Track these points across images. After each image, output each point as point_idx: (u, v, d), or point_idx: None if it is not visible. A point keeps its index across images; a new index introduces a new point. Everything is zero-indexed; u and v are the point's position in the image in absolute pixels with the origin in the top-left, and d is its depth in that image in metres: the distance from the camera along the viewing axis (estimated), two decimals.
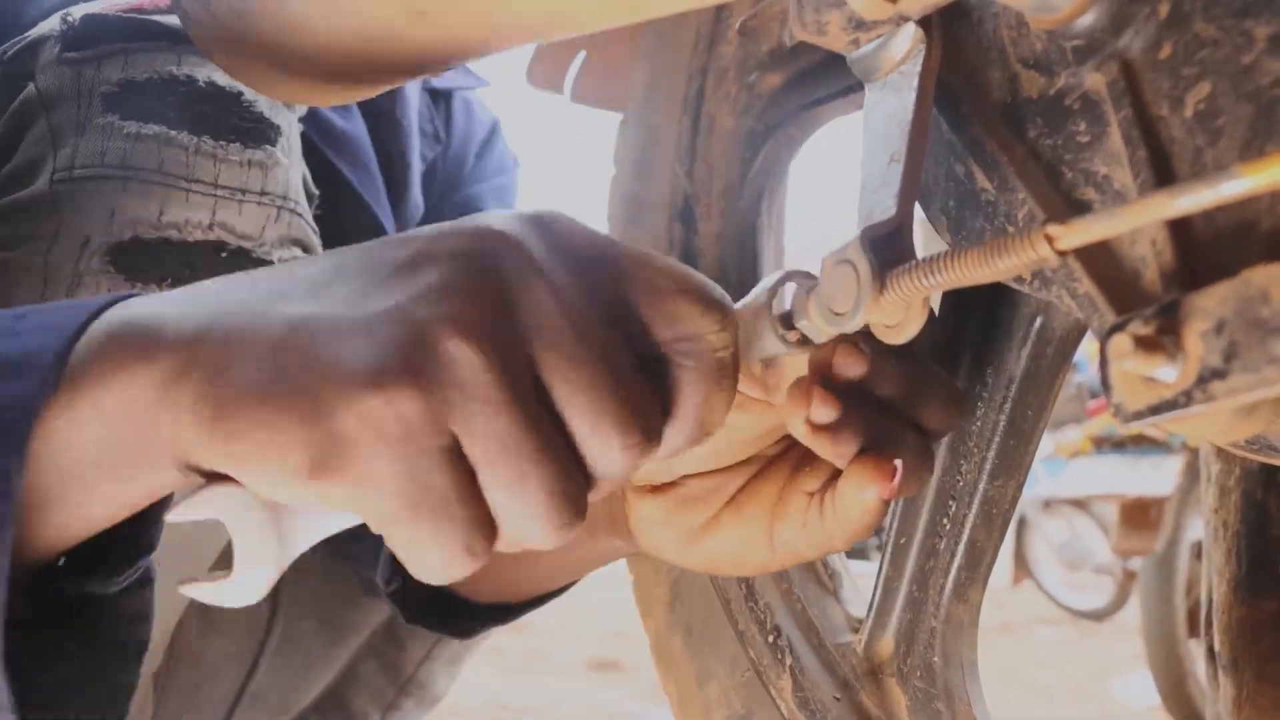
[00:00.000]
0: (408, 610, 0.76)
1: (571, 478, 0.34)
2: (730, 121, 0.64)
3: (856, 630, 0.56)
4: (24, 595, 0.35)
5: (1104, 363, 0.33)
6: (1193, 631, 2.56)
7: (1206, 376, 0.31)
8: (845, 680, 0.56)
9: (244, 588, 0.35)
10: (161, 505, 0.39)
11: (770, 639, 0.59)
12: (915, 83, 0.40)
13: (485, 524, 0.34)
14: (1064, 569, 4.06)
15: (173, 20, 0.62)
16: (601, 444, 0.34)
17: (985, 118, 0.42)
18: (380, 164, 0.85)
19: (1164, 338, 0.32)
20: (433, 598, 0.76)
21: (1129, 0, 0.37)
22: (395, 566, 0.80)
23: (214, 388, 0.33)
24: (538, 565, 0.76)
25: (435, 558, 0.33)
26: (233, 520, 0.35)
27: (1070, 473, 3.32)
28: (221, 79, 0.60)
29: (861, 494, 0.40)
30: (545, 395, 0.34)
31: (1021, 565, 4.11)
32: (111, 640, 0.39)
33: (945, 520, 0.51)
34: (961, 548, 0.51)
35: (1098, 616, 3.89)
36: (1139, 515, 2.70)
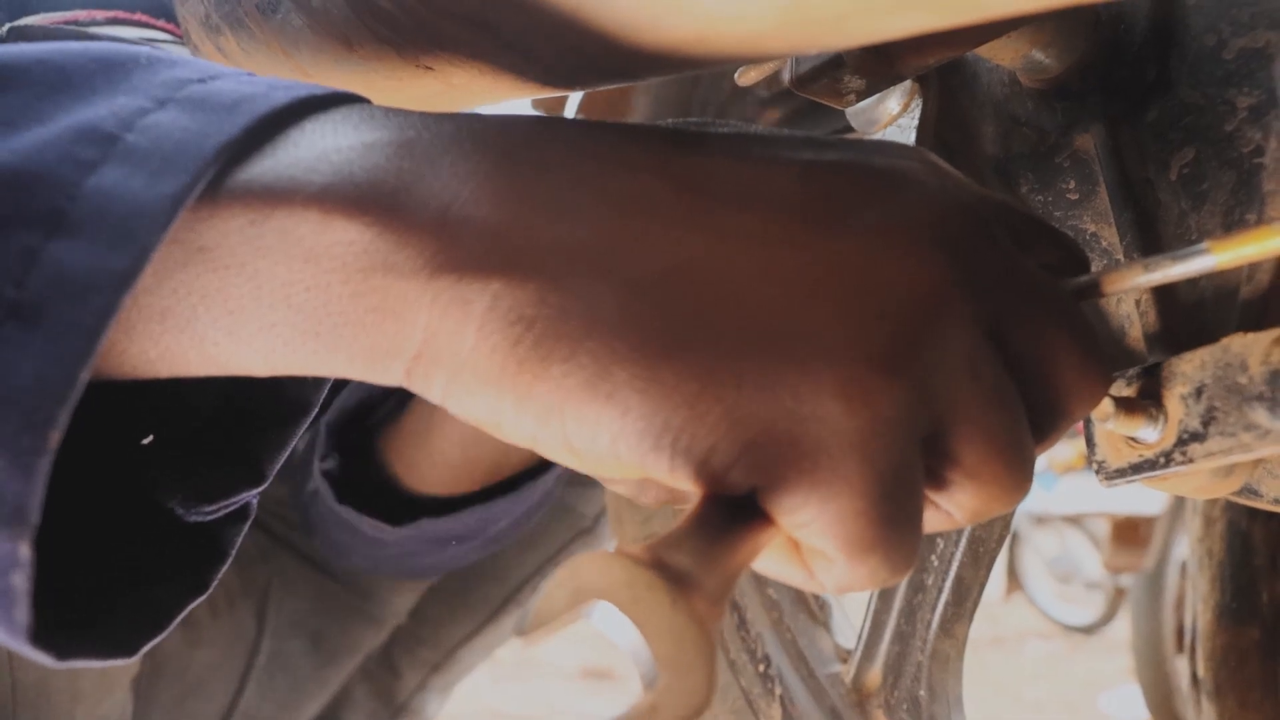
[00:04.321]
0: (339, 490, 0.75)
1: (1033, 453, 0.27)
2: None
3: (845, 661, 0.57)
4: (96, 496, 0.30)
5: (1087, 422, 0.34)
6: (1181, 648, 2.58)
7: (1186, 439, 0.32)
8: (833, 710, 0.57)
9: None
10: (298, 416, 0.32)
11: (760, 668, 0.60)
12: (912, 137, 0.42)
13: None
14: (1055, 583, 4.08)
15: (105, 33, 0.63)
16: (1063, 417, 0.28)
17: (978, 171, 0.43)
18: None
19: (1145, 400, 0.33)
20: (370, 482, 0.76)
21: (1118, 64, 0.39)
22: (331, 443, 0.80)
23: (554, 312, 0.23)
24: (481, 454, 0.75)
25: (883, 569, 0.25)
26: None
27: (1063, 489, 3.34)
28: None
29: None
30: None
31: (1013, 578, 4.12)
32: (165, 570, 0.32)
33: (933, 557, 0.52)
34: (949, 584, 0.52)
35: (1087, 630, 3.91)
36: (1130, 533, 2.71)
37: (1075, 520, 3.80)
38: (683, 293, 0.24)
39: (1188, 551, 0.86)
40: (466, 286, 0.23)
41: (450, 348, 0.24)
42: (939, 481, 0.26)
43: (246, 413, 0.32)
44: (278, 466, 0.33)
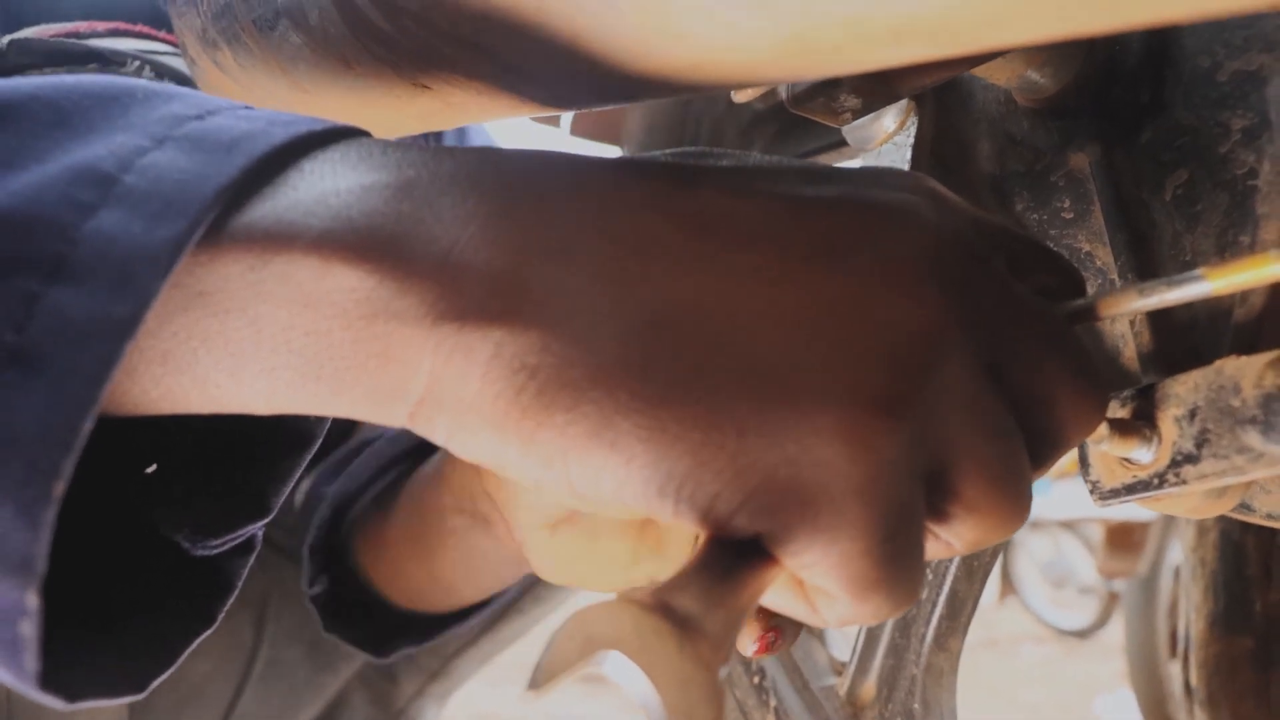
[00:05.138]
0: (327, 619, 0.76)
1: (1030, 484, 0.27)
2: None
3: (840, 673, 0.57)
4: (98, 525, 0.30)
5: (1081, 443, 0.34)
6: (1174, 653, 2.58)
7: (1179, 460, 0.32)
8: None
9: None
10: (300, 449, 0.32)
11: (755, 680, 0.60)
12: (908, 154, 0.42)
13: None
14: (1049, 587, 4.09)
15: (105, 44, 0.63)
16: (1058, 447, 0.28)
17: (974, 188, 0.44)
18: None
19: (1140, 421, 0.33)
20: (356, 606, 0.76)
21: (1112, 85, 0.39)
22: (318, 565, 0.80)
23: (557, 360, 0.23)
24: (470, 567, 0.77)
25: (886, 606, 0.25)
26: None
27: (1057, 493, 3.35)
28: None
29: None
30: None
31: (1007, 582, 4.13)
32: (172, 606, 0.32)
33: (928, 571, 0.52)
34: (943, 598, 0.52)
35: (1081, 635, 3.91)
36: (1124, 538, 2.72)
37: (1070, 525, 3.81)
38: (684, 336, 0.24)
39: (1182, 558, 0.87)
40: (469, 334, 0.23)
41: (454, 394, 0.24)
42: (939, 514, 0.26)
43: (249, 445, 0.32)
44: (281, 499, 0.32)
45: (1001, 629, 4.27)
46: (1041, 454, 0.28)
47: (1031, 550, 4.08)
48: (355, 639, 0.78)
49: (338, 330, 0.24)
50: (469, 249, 0.24)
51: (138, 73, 0.64)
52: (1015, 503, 0.27)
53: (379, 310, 0.24)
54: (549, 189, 0.26)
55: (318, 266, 0.24)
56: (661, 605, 0.22)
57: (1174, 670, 2.51)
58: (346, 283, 0.24)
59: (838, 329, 0.24)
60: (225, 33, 0.43)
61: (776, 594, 0.27)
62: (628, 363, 0.23)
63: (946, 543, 0.27)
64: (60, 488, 0.22)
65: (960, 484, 0.26)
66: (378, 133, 0.45)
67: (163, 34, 0.70)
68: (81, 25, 0.63)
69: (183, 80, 0.67)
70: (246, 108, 0.27)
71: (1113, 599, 3.58)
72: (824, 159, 0.61)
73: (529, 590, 0.91)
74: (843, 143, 0.59)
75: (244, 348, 0.24)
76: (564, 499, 0.25)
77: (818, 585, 0.25)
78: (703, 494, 0.23)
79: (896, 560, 0.24)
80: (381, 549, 0.81)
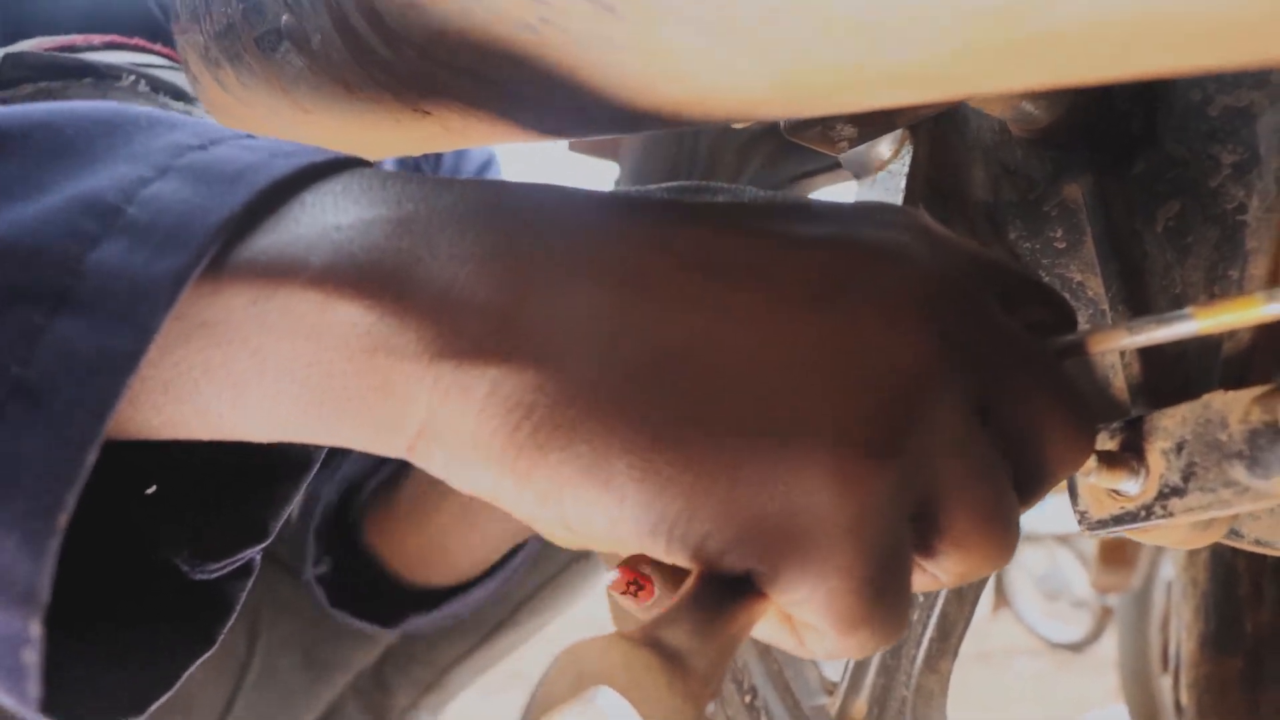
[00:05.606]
0: (332, 594, 0.77)
1: (1018, 518, 0.28)
2: None
3: (831, 693, 0.58)
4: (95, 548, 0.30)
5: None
6: (1166, 668, 2.58)
7: (1166, 493, 0.33)
8: None
9: None
10: (299, 473, 0.33)
11: (747, 699, 0.60)
12: (903, 182, 0.42)
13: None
14: (1043, 600, 4.09)
15: (100, 57, 0.63)
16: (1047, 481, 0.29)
17: (969, 217, 0.44)
18: None
19: (1127, 453, 0.34)
20: (361, 577, 0.77)
21: (1105, 117, 0.39)
22: (321, 547, 0.82)
23: (552, 400, 0.23)
24: (473, 539, 0.78)
25: (872, 641, 0.25)
26: None
27: (1052, 507, 3.35)
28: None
29: None
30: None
31: (1000, 595, 4.13)
32: (172, 628, 0.32)
33: (919, 594, 0.53)
34: (933, 620, 0.52)
35: (1074, 648, 3.91)
36: (1117, 553, 2.72)
37: (1064, 539, 3.81)
38: (678, 377, 0.24)
39: (1173, 575, 0.87)
40: (466, 372, 0.24)
41: (451, 428, 0.24)
42: (926, 549, 0.27)
43: (248, 469, 0.33)
44: (280, 522, 0.33)
45: (995, 641, 4.27)
46: (1029, 488, 0.29)
47: (1026, 563, 4.08)
48: (361, 612, 0.79)
49: (338, 363, 0.24)
50: (466, 287, 0.24)
51: (133, 87, 0.64)
52: (1001, 539, 0.27)
53: (379, 345, 0.24)
54: (546, 227, 0.26)
55: (320, 301, 0.24)
56: (651, 640, 0.23)
57: (1166, 685, 2.51)
58: (347, 318, 0.24)
59: (828, 370, 0.25)
60: (228, 52, 0.43)
61: (765, 627, 0.27)
62: (621, 403, 0.24)
63: (933, 576, 0.28)
64: (64, 520, 0.22)
65: (947, 521, 0.26)
66: (378, 154, 0.45)
67: (158, 47, 0.70)
68: (77, 38, 0.64)
69: (178, 94, 0.67)
70: (249, 137, 0.28)
71: (1106, 613, 3.58)
72: (820, 180, 0.61)
73: (523, 604, 0.91)
74: (839, 164, 0.59)
75: (245, 378, 0.25)
76: (560, 534, 0.25)
77: (806, 621, 0.25)
78: (694, 533, 0.24)
79: (882, 598, 0.25)
80: (388, 523, 0.82)
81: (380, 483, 0.83)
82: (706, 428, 0.24)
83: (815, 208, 0.29)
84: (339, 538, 0.83)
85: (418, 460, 0.25)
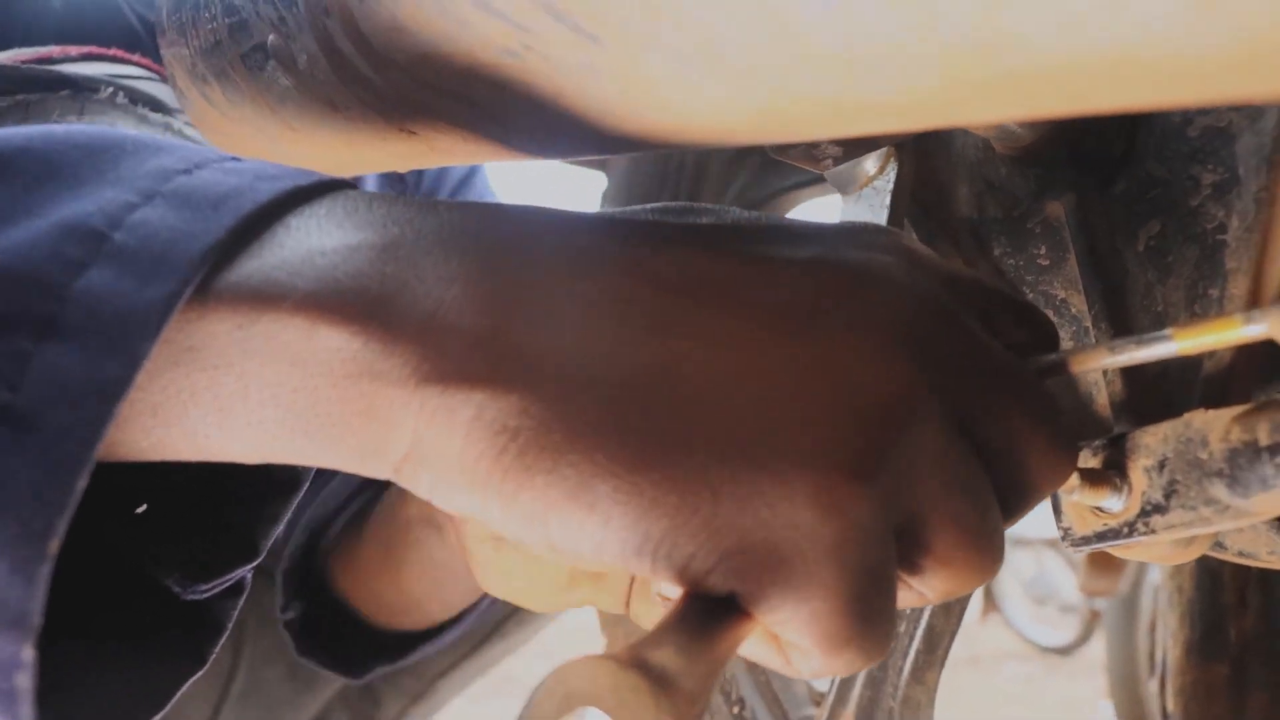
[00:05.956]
0: (300, 642, 0.77)
1: (1002, 535, 0.28)
2: (709, 200, 0.65)
3: (819, 704, 0.58)
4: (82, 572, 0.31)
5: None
6: (1154, 672, 2.60)
7: (1148, 510, 0.33)
8: None
9: None
10: (287, 492, 0.33)
11: (735, 710, 0.60)
12: (888, 199, 0.42)
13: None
14: (1031, 604, 4.10)
15: (78, 69, 0.63)
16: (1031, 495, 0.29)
17: (952, 232, 0.44)
18: None
19: (1110, 471, 0.34)
20: (330, 628, 0.78)
21: (1087, 136, 0.40)
22: (290, 592, 0.82)
23: (537, 423, 0.24)
24: (444, 588, 0.78)
25: (858, 660, 0.25)
26: None
27: (1041, 512, 3.35)
28: (126, 128, 0.61)
29: None
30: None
31: (989, 600, 4.14)
32: (163, 648, 0.32)
33: (905, 608, 0.53)
34: (920, 632, 0.52)
35: (1062, 652, 3.93)
36: (1105, 557, 2.73)
37: (1053, 543, 3.82)
38: (661, 399, 0.24)
39: (1160, 582, 0.87)
40: (451, 396, 0.24)
41: (437, 452, 0.24)
42: (912, 566, 0.27)
43: (237, 488, 0.33)
44: (270, 541, 0.33)
45: (984, 646, 4.28)
46: (1013, 505, 0.29)
47: (1015, 567, 4.09)
48: (329, 662, 0.79)
49: (324, 388, 0.24)
50: (451, 311, 0.25)
51: (111, 98, 0.64)
52: (986, 555, 0.27)
53: (364, 370, 0.24)
54: (530, 250, 0.27)
55: (305, 327, 0.24)
56: (638, 661, 0.23)
57: (1153, 689, 2.53)
58: (333, 343, 0.24)
59: (810, 393, 0.25)
60: (214, 69, 0.43)
61: (752, 646, 0.27)
62: (605, 426, 0.24)
63: (919, 593, 0.28)
64: (55, 545, 0.22)
65: (931, 539, 0.27)
66: (364, 170, 0.45)
67: (136, 57, 0.70)
68: (54, 50, 0.63)
69: (156, 105, 0.67)
70: (234, 159, 0.28)
71: (1094, 617, 3.60)
72: (805, 194, 0.62)
73: (512, 614, 0.91)
74: (824, 179, 0.59)
75: (232, 402, 0.25)
76: (545, 554, 0.26)
77: (791, 640, 0.25)
78: (679, 555, 0.24)
79: (867, 617, 0.25)
80: (355, 567, 0.82)
81: (346, 523, 0.83)
82: (689, 450, 0.24)
83: (797, 229, 0.30)
84: (307, 582, 0.83)
85: (404, 482, 0.26)
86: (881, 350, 0.26)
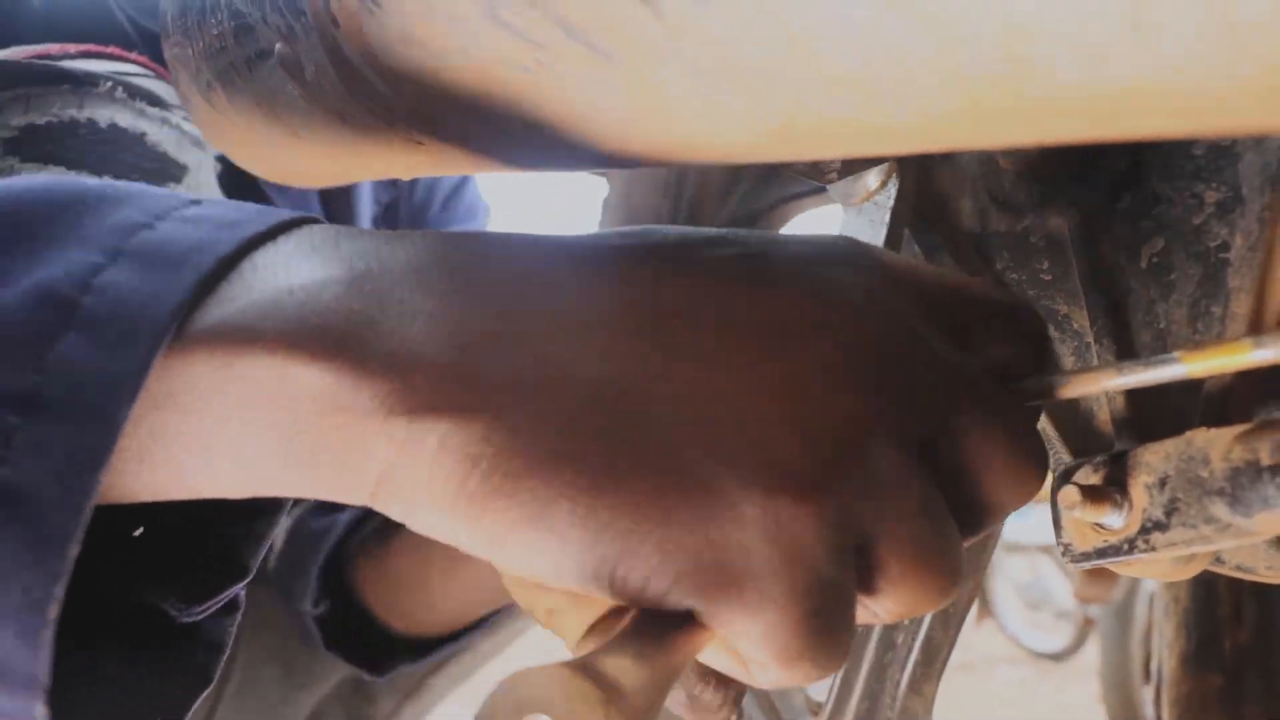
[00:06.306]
0: (327, 635, 0.80)
1: (959, 555, 0.28)
2: (710, 209, 0.66)
3: (816, 714, 0.58)
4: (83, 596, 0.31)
5: (1054, 506, 0.35)
6: (1148, 678, 2.60)
7: (1149, 528, 0.33)
8: None
9: None
10: (273, 511, 0.34)
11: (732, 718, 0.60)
12: (887, 216, 0.43)
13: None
14: (1026, 610, 4.11)
15: (77, 65, 0.63)
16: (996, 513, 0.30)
17: (956, 245, 0.44)
18: (321, 199, 0.87)
19: (1111, 488, 0.34)
20: (355, 627, 0.80)
21: (1092, 151, 0.40)
22: (323, 588, 0.84)
23: (497, 451, 0.24)
24: (463, 593, 0.80)
25: (814, 672, 0.26)
26: None
27: (1036, 518, 3.37)
28: (124, 121, 0.61)
29: None
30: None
31: (984, 605, 4.14)
32: (169, 669, 0.33)
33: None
34: (918, 644, 0.52)
35: (1056, 658, 3.93)
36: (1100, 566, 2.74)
37: (1048, 549, 3.83)
38: (616, 422, 0.25)
39: (1155, 591, 0.88)
40: (418, 426, 0.25)
41: (407, 479, 0.25)
42: (867, 586, 0.28)
43: (222, 510, 0.33)
44: (259, 559, 0.34)
45: (978, 651, 4.29)
46: (971, 523, 0.30)
47: (1009, 573, 4.10)
48: (354, 659, 0.80)
49: (300, 424, 0.25)
50: (417, 344, 0.26)
51: (110, 92, 0.64)
52: (938, 577, 0.28)
53: (337, 405, 0.25)
54: (496, 278, 0.28)
55: (278, 366, 0.25)
56: (590, 670, 0.24)
57: (1147, 695, 2.53)
58: (305, 380, 0.25)
59: (762, 415, 0.26)
60: (220, 74, 0.43)
61: (712, 655, 0.28)
62: (561, 451, 0.25)
63: (874, 612, 0.29)
64: (55, 610, 0.23)
65: (884, 559, 0.27)
66: (368, 176, 0.45)
67: (134, 55, 0.70)
68: (53, 47, 0.64)
69: (154, 100, 0.67)
70: (194, 203, 0.29)
71: (1088, 623, 3.60)
72: (807, 203, 0.62)
73: (503, 610, 0.92)
74: (825, 189, 0.60)
75: (214, 442, 0.26)
76: (509, 573, 0.27)
77: (747, 654, 0.26)
78: (635, 576, 0.25)
79: (820, 632, 0.25)
80: (382, 572, 0.84)
81: (374, 529, 0.85)
82: (642, 471, 0.25)
83: (767, 247, 0.30)
84: (338, 580, 0.85)
85: (379, 508, 0.27)
86: (838, 372, 0.27)
